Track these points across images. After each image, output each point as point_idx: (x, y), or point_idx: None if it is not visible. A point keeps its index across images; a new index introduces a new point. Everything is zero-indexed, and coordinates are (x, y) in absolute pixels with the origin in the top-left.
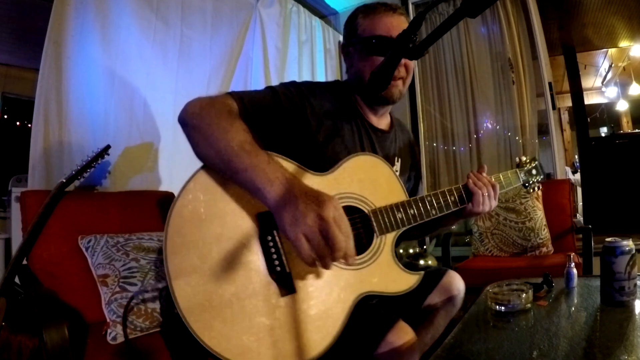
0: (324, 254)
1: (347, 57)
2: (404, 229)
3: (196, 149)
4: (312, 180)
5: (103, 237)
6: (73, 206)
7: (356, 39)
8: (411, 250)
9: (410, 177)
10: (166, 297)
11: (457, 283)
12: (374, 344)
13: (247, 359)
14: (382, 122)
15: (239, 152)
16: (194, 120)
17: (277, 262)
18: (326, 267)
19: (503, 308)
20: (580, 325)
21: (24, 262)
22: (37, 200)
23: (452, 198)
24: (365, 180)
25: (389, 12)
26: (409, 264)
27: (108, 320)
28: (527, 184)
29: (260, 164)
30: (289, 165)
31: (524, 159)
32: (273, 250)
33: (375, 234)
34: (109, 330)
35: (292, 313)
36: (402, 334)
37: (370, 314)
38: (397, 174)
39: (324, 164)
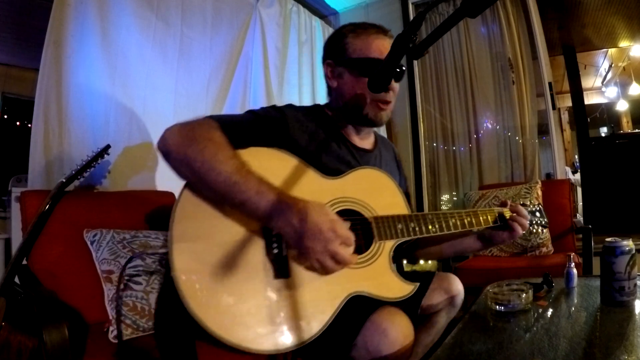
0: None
1: (333, 77)
2: (402, 239)
3: (184, 179)
4: (319, 182)
5: (109, 232)
6: (73, 206)
7: (347, 60)
8: None
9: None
10: (165, 263)
11: (456, 284)
12: (348, 343)
13: (228, 331)
14: (365, 141)
15: (229, 188)
16: (177, 154)
17: (275, 245)
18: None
19: (503, 308)
20: (580, 325)
21: (24, 262)
22: (37, 200)
23: (453, 221)
24: (369, 189)
25: (380, 34)
26: (411, 273)
27: (110, 317)
28: (529, 224)
29: (251, 198)
30: (294, 162)
31: (527, 202)
32: (273, 231)
33: (374, 239)
34: (110, 328)
35: (282, 296)
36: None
37: (351, 312)
38: None
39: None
